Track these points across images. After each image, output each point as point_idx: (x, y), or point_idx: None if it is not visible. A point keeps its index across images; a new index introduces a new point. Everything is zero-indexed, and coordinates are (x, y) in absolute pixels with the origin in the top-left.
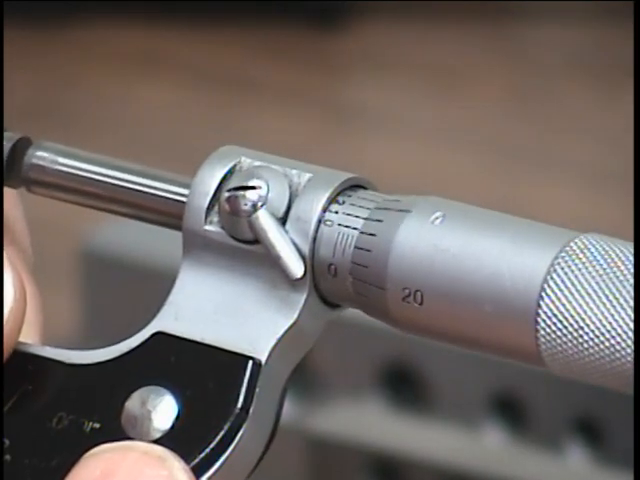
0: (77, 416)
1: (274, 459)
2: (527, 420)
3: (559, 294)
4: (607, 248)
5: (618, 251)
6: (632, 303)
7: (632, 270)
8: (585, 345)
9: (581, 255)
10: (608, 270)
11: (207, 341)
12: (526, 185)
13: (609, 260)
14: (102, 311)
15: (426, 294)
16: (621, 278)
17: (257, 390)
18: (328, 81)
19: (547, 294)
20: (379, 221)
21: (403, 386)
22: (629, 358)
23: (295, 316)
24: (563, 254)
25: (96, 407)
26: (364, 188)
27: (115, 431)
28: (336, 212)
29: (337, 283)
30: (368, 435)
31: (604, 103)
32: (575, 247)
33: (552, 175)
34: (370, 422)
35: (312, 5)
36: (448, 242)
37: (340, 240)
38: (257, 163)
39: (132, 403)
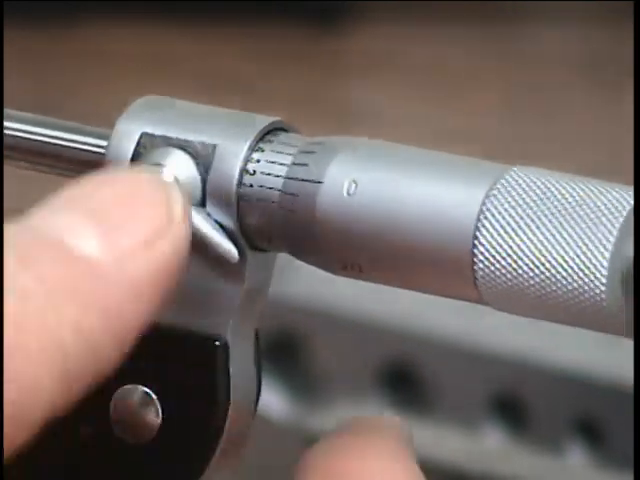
0: (70, 422)
1: (274, 459)
2: (527, 420)
3: (493, 231)
4: (540, 179)
5: (552, 181)
6: (571, 231)
7: (568, 199)
8: (524, 276)
9: (513, 189)
10: (545, 201)
11: (168, 321)
12: None
13: (544, 191)
14: None
15: (363, 265)
16: (557, 208)
17: (231, 370)
18: (328, 81)
19: (481, 233)
20: (294, 195)
21: (403, 386)
22: (570, 287)
23: (244, 284)
24: (495, 191)
25: (84, 410)
26: (281, 130)
27: (108, 434)
28: (250, 185)
29: (275, 247)
30: None
31: (604, 103)
32: (507, 182)
33: None
34: None
35: (312, 5)
36: (369, 211)
37: (263, 215)
38: (158, 134)
39: (116, 406)
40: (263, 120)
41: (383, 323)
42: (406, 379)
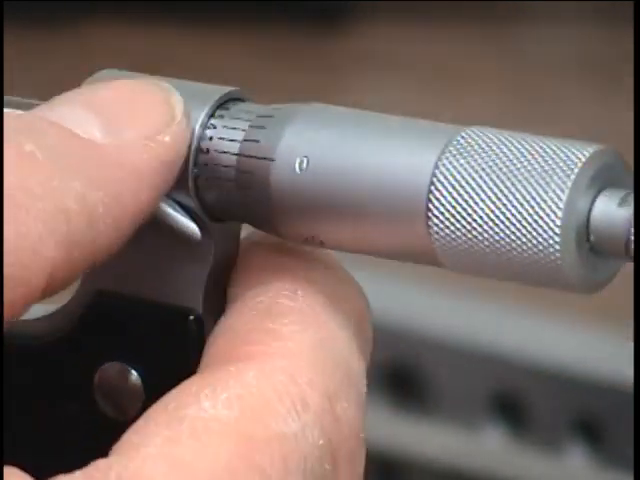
0: (55, 399)
1: None
2: (527, 420)
3: (446, 192)
4: (493, 138)
5: (505, 139)
6: (524, 189)
7: (521, 157)
8: (478, 235)
9: (466, 149)
10: (498, 159)
11: (144, 298)
12: None
13: (497, 149)
14: None
15: (322, 237)
16: (510, 165)
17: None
18: (328, 81)
19: (434, 194)
20: (249, 173)
21: (403, 386)
22: (524, 245)
23: (211, 257)
24: (447, 152)
25: (68, 388)
26: (232, 100)
27: (93, 411)
28: (206, 164)
29: (236, 220)
30: (368, 435)
31: (604, 103)
32: (460, 142)
33: None
34: (370, 422)
35: (312, 5)
36: (323, 185)
37: (221, 192)
38: None
39: (99, 383)
40: (213, 93)
41: (383, 323)
42: (406, 379)
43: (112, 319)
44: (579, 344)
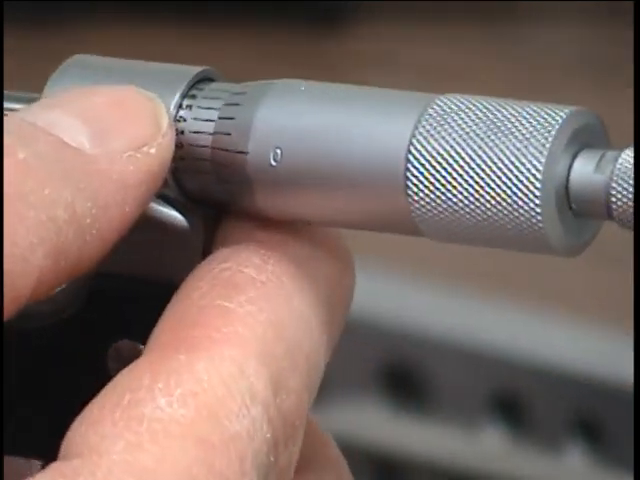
0: (69, 379)
1: None
2: (527, 420)
3: (424, 159)
4: (470, 103)
5: (482, 104)
6: (502, 153)
7: (498, 121)
8: (458, 203)
9: (442, 117)
10: (475, 124)
11: (151, 277)
12: None
13: (474, 114)
14: None
15: (308, 217)
16: (488, 129)
17: None
18: (328, 81)
19: (412, 164)
20: (225, 166)
21: (403, 386)
22: (505, 209)
23: (201, 242)
24: (423, 122)
25: (81, 368)
26: (199, 84)
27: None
28: (182, 158)
29: (221, 208)
30: (368, 435)
31: (604, 103)
32: (435, 110)
33: None
34: (370, 422)
35: (312, 5)
36: (299, 175)
37: (201, 184)
38: None
39: (112, 362)
40: (179, 79)
41: (383, 323)
42: (406, 379)
43: (116, 299)
44: (579, 344)
